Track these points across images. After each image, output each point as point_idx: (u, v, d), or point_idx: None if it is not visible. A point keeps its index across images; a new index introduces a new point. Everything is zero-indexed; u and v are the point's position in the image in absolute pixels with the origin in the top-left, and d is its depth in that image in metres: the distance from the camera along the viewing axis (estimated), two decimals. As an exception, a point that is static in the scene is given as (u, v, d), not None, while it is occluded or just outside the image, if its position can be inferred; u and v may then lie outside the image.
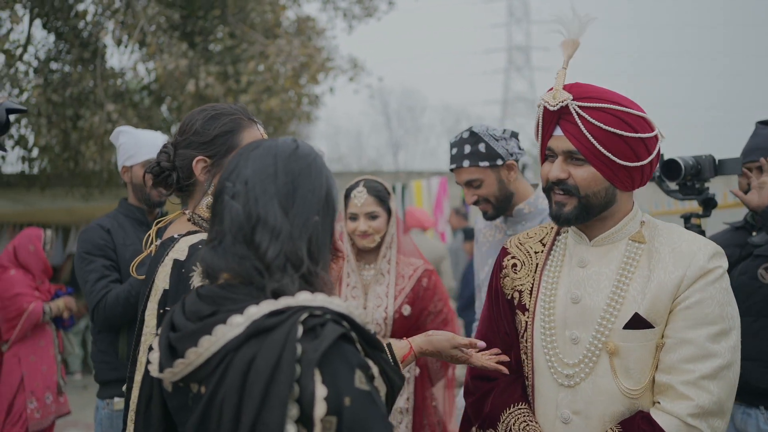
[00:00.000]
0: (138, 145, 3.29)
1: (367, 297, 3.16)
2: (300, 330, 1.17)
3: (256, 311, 1.21)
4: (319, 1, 11.34)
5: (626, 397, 1.77)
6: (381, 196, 3.11)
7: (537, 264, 1.99)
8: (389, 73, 25.33)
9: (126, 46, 8.99)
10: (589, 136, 1.75)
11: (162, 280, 1.75)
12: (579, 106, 1.76)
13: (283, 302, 1.22)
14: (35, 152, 9.47)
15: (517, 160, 2.93)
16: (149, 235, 1.97)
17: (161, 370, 1.28)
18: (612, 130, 1.74)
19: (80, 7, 8.99)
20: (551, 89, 1.82)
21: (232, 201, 1.30)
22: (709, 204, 2.90)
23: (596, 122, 1.75)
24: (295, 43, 8.95)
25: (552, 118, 1.82)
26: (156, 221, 2.01)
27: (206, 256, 1.32)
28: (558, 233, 2.02)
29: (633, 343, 1.77)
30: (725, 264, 1.81)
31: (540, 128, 1.86)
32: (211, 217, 1.38)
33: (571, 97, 1.77)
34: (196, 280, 1.68)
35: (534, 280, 1.98)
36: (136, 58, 9.55)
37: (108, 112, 8.22)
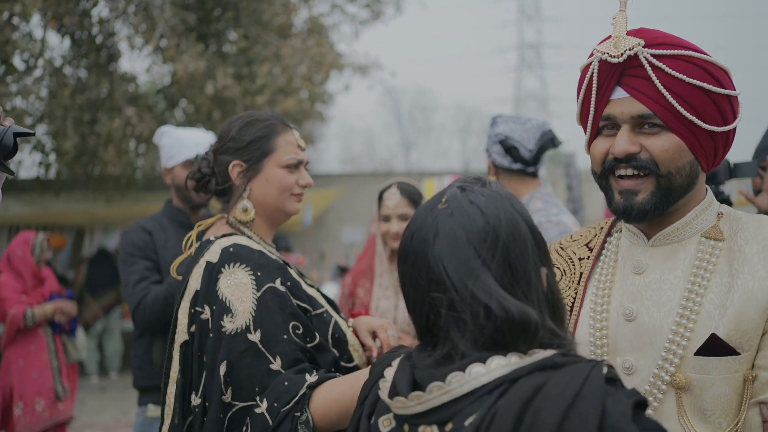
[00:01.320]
0: (179, 146, 3.23)
1: (398, 297, 3.18)
2: (604, 371, 1.00)
3: (519, 360, 1.05)
4: (327, 5, 11.36)
5: None
6: (413, 197, 3.13)
7: (581, 273, 1.57)
8: (401, 74, 25.41)
9: (140, 50, 9.05)
10: (665, 91, 1.35)
11: (195, 280, 1.80)
12: (653, 54, 1.35)
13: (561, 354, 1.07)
14: (52, 157, 9.55)
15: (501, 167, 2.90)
16: (189, 236, 2.01)
17: (391, 396, 1.14)
18: (698, 83, 1.35)
19: (94, 11, 9.05)
20: (607, 38, 1.40)
21: (452, 313, 1.09)
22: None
23: (677, 74, 1.34)
24: (309, 42, 8.98)
25: (611, 76, 1.40)
26: (198, 224, 2.05)
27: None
28: (609, 233, 1.61)
29: (710, 375, 1.34)
30: None
31: (594, 90, 1.42)
32: (423, 328, 1.17)
33: (643, 43, 1.36)
34: (222, 282, 1.72)
35: (577, 293, 1.56)
36: (149, 62, 9.61)
37: (128, 117, 8.27)
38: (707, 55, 1.38)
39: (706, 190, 1.48)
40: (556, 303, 1.14)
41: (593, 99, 1.43)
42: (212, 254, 1.80)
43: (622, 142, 1.39)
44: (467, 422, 1.03)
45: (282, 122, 1.99)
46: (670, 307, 1.40)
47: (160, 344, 3.08)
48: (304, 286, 1.86)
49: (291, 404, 1.60)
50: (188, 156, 3.18)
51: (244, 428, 1.62)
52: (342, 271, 12.19)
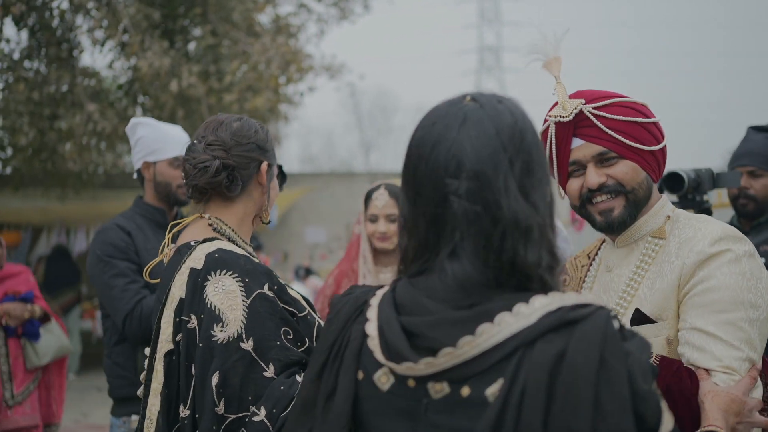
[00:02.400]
0: (164, 140, 2.98)
1: None
2: (616, 326, 1.00)
3: (547, 302, 1.02)
4: (292, 5, 11.31)
5: None
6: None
7: (580, 277, 1.97)
8: (361, 73, 25.30)
9: (102, 45, 8.88)
10: (611, 132, 1.73)
11: (179, 288, 1.74)
12: (594, 107, 1.74)
13: (575, 297, 1.03)
14: (9, 152, 9.31)
15: None
16: (168, 239, 1.95)
17: (398, 360, 1.06)
18: (631, 119, 1.74)
19: (54, 4, 8.85)
20: (555, 105, 1.80)
21: (464, 201, 1.05)
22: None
23: (615, 116, 1.74)
24: (279, 40, 8.93)
25: (567, 132, 1.78)
26: (171, 224, 1.97)
27: (453, 276, 1.06)
28: (604, 242, 1.97)
29: None
30: (739, 247, 1.68)
31: (554, 147, 1.80)
32: (427, 225, 1.10)
33: (584, 101, 1.75)
34: (210, 290, 1.67)
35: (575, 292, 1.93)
36: (111, 57, 9.43)
37: (89, 112, 8.10)
38: (628, 97, 1.78)
39: (659, 198, 1.84)
40: (552, 212, 1.13)
41: (554, 154, 1.80)
42: (196, 260, 1.74)
43: (593, 177, 1.77)
44: (488, 391, 1.00)
45: None
46: (618, 294, 1.80)
47: (143, 352, 2.97)
48: (288, 289, 1.84)
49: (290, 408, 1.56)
50: (177, 153, 2.93)
51: None
52: (306, 272, 12.16)
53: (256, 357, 1.63)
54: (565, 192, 1.87)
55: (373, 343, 1.10)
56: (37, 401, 5.15)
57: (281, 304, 1.74)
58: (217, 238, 1.83)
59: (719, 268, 1.65)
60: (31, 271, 5.47)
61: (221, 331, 1.64)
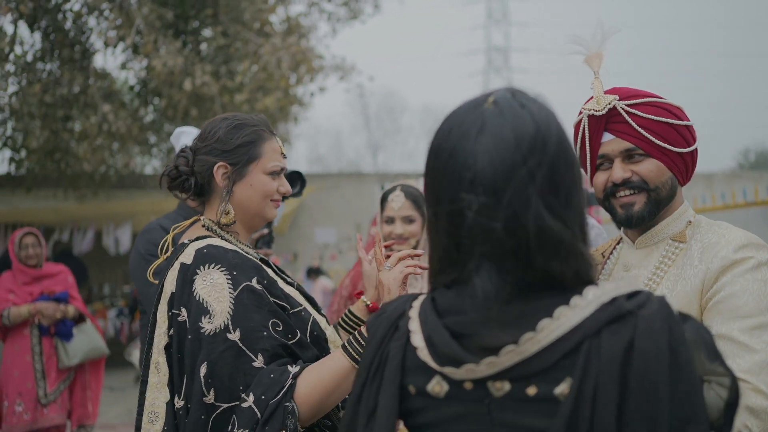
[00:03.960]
0: None
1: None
2: (675, 310, 0.99)
3: (600, 293, 0.99)
4: (303, 4, 11.35)
5: None
6: (417, 200, 3.16)
7: None
8: (370, 75, 25.26)
9: (115, 47, 8.93)
10: (641, 129, 1.79)
11: (170, 283, 1.80)
12: (627, 104, 1.80)
13: (626, 286, 1.01)
14: (23, 153, 9.37)
15: None
16: (166, 240, 2.00)
17: (455, 365, 1.03)
18: (663, 119, 1.79)
19: (66, 6, 8.91)
20: (591, 98, 1.86)
21: (479, 217, 1.00)
22: None
23: (647, 115, 1.78)
24: (290, 40, 8.95)
25: (598, 125, 1.84)
26: (173, 227, 2.04)
27: (485, 283, 1.01)
28: (618, 242, 2.01)
29: None
30: (762, 254, 1.72)
31: (587, 139, 1.86)
32: (447, 237, 1.06)
33: (617, 97, 1.81)
34: (198, 283, 1.72)
35: None
36: (123, 58, 9.48)
37: (104, 113, 8.15)
38: (663, 98, 1.82)
39: (682, 201, 1.88)
40: (583, 221, 1.07)
41: (587, 146, 1.86)
42: (186, 256, 1.80)
43: (618, 171, 1.83)
44: (558, 391, 0.98)
45: (268, 129, 2.00)
46: None
47: None
48: (281, 284, 1.88)
49: (280, 395, 1.62)
50: None
51: (230, 427, 1.62)
52: (315, 272, 12.18)
53: (243, 347, 1.67)
54: (592, 184, 1.91)
55: (424, 354, 1.07)
56: (67, 401, 5.19)
57: (271, 298, 1.78)
58: (210, 236, 1.89)
59: (742, 275, 1.69)
60: (70, 271, 5.51)
61: (208, 322, 1.68)
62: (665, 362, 0.94)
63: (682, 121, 1.81)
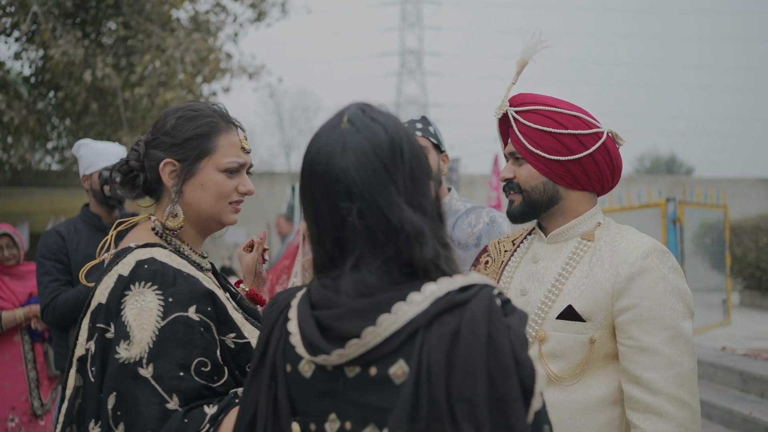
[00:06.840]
0: (97, 155, 3.57)
1: None
2: (498, 303, 1.13)
3: (436, 288, 1.14)
4: (209, 4, 11.05)
5: (553, 383, 1.88)
6: None
7: (503, 261, 2.11)
8: (284, 75, 25.20)
9: (9, 35, 8.47)
10: (520, 135, 1.93)
11: (101, 292, 1.61)
12: (515, 111, 1.95)
13: (461, 279, 1.15)
14: None
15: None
16: (106, 240, 1.79)
17: (314, 353, 1.18)
18: (541, 128, 1.90)
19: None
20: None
21: (359, 221, 1.17)
22: None
23: (527, 122, 1.92)
24: (194, 36, 8.72)
25: (503, 127, 2.03)
26: (116, 225, 1.84)
27: (355, 280, 1.17)
28: (530, 233, 2.12)
29: (563, 334, 1.87)
30: (668, 262, 1.86)
31: (500, 136, 2.07)
32: (331, 243, 1.21)
33: (509, 105, 1.97)
34: (129, 302, 1.55)
35: (496, 275, 2.11)
36: (17, 48, 8.99)
37: (-5, 103, 7.70)
38: (561, 108, 1.91)
39: (593, 206, 2.00)
40: (440, 208, 1.25)
41: (501, 145, 2.07)
42: (125, 266, 1.60)
43: (504, 171, 2.03)
44: (392, 371, 1.13)
45: (226, 119, 1.79)
46: (545, 286, 1.94)
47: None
48: (230, 311, 1.68)
49: None
50: (107, 164, 3.49)
51: None
52: (226, 272, 11.95)
53: (155, 386, 1.49)
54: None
55: (295, 339, 1.22)
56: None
57: (214, 333, 1.60)
58: (159, 245, 1.68)
59: (655, 286, 1.82)
60: None
61: (125, 349, 1.51)
62: (483, 349, 1.07)
63: (568, 130, 1.89)
